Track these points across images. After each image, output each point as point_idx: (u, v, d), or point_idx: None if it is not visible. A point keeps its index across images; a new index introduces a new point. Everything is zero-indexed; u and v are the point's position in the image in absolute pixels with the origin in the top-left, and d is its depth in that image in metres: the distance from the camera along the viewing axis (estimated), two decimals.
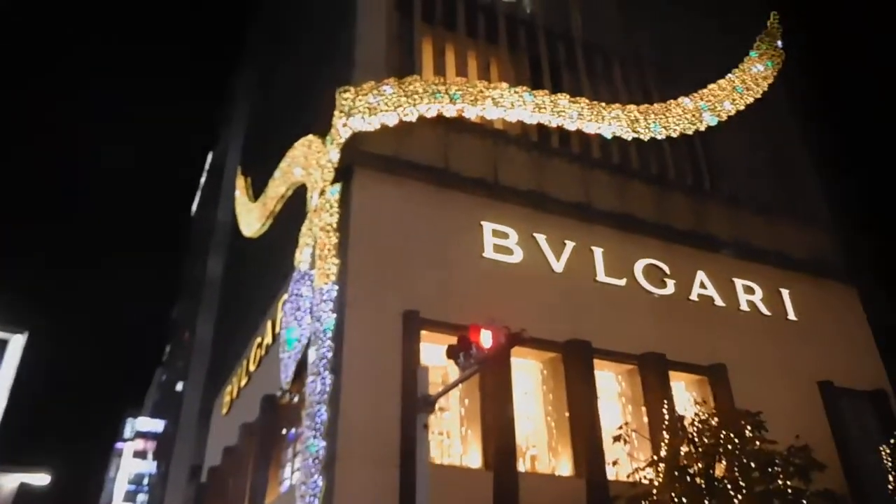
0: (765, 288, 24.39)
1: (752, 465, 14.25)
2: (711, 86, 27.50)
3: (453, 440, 18.39)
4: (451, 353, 11.78)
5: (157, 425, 62.70)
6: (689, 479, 14.75)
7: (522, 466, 18.10)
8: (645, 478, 15.65)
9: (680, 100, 26.47)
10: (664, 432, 16.10)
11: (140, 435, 66.44)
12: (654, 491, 14.87)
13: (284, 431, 22.28)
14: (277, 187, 26.58)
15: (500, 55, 25.03)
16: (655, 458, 15.66)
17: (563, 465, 18.78)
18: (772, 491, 14.38)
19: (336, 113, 20.38)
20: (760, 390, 20.55)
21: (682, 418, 16.07)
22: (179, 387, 52.16)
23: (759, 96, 28.67)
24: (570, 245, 21.47)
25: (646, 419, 19.76)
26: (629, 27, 28.82)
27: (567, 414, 19.23)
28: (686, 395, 21.42)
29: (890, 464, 19.56)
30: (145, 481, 63.30)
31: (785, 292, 24.78)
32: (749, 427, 14.91)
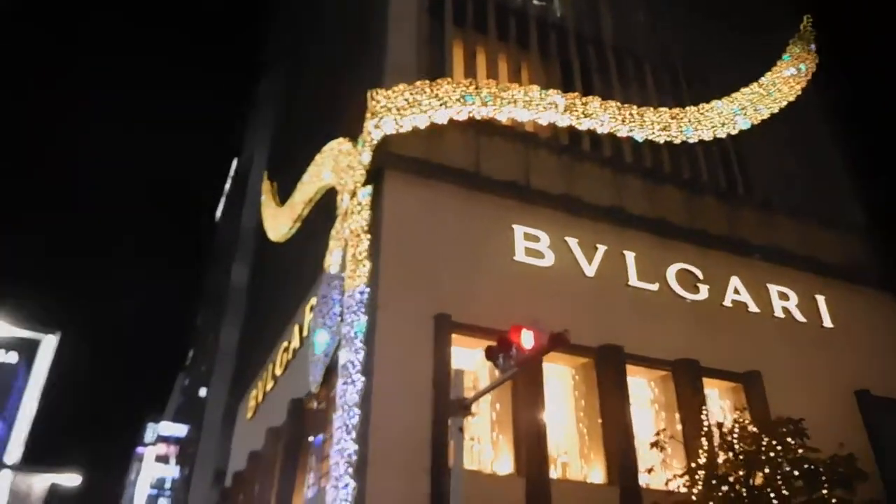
0: (800, 294, 23.91)
1: (796, 473, 13.87)
2: (744, 89, 27.16)
3: (483, 446, 18.13)
4: (491, 354, 11.53)
5: (180, 430, 62.88)
6: (728, 487, 14.39)
7: (554, 473, 17.79)
8: (684, 485, 15.30)
9: (712, 103, 26.15)
10: (703, 439, 15.69)
11: (162, 439, 66.61)
12: (694, 499, 14.51)
13: (311, 439, 22.11)
14: (306, 191, 26.54)
15: (531, 59, 24.86)
16: (693, 465, 15.30)
17: (596, 473, 18.46)
18: (814, 500, 13.98)
19: (367, 115, 20.28)
20: (796, 398, 20.05)
21: (720, 425, 15.71)
22: (203, 392, 52.25)
23: (791, 100, 28.30)
24: (601, 249, 21.18)
25: (679, 426, 19.38)
26: (660, 31, 28.61)
27: (599, 420, 18.91)
28: (719, 403, 21.06)
29: None
30: (167, 485, 63.45)
31: (820, 298, 24.28)
32: (791, 435, 14.51)
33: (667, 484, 15.80)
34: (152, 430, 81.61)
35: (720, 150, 26.25)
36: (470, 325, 17.83)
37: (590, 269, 20.78)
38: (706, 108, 25.94)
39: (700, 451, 15.44)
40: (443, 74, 21.92)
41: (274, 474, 23.91)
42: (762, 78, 28.06)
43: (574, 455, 19.03)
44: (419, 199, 19.62)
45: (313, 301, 22.00)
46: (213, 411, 46.84)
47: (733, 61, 28.50)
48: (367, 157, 20.14)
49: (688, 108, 25.69)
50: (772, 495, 13.68)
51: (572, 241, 20.89)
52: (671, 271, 21.97)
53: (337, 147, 23.07)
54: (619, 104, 24.19)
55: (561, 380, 19.81)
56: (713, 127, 25.66)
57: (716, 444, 15.43)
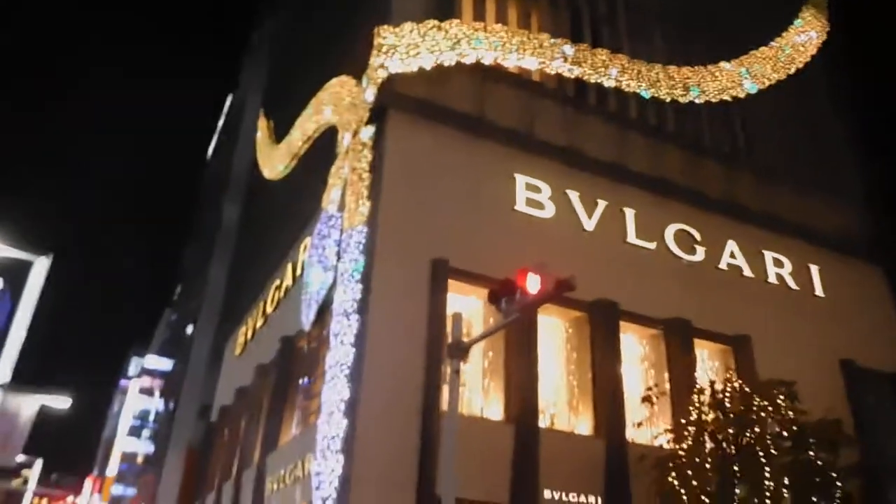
0: (794, 262, 24.01)
1: (784, 433, 14.02)
2: (754, 52, 26.79)
3: (474, 392, 18.19)
4: (493, 297, 11.41)
5: (165, 364, 62.90)
6: (715, 444, 14.55)
7: (542, 423, 17.92)
8: (669, 441, 15.45)
9: (721, 64, 25.81)
10: (694, 397, 15.80)
11: (146, 372, 66.63)
12: (682, 454, 14.66)
13: (301, 381, 22.09)
14: (305, 128, 26.13)
15: (541, 6, 24.26)
16: (683, 421, 15.43)
17: (583, 425, 18.62)
18: (800, 461, 14.17)
19: (373, 52, 19.82)
20: (783, 364, 20.14)
21: (712, 383, 15.82)
22: (190, 329, 52.18)
23: (800, 66, 27.98)
24: (602, 204, 21.05)
25: (668, 385, 19.54)
26: None
27: (590, 374, 19.01)
28: (708, 364, 21.21)
29: None
30: (151, 417, 63.71)
31: (814, 268, 24.41)
32: (782, 396, 14.64)
33: (654, 439, 15.96)
34: (136, 364, 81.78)
35: (725, 114, 26.01)
36: (467, 271, 17.72)
37: (589, 224, 20.66)
38: (714, 69, 25.59)
39: (690, 409, 15.54)
40: (451, 17, 21.42)
41: (261, 410, 24.03)
42: (772, 42, 27.67)
43: (563, 406, 19.15)
44: (422, 141, 19.30)
45: (308, 240, 21.82)
46: (199, 346, 46.86)
47: (746, 23, 28.05)
48: (370, 95, 19.74)
49: (696, 66, 25.32)
50: (760, 454, 13.82)
51: (573, 195, 20.72)
52: (669, 231, 21.91)
53: (340, 85, 22.63)
54: (627, 58, 23.81)
55: (554, 332, 19.83)
56: (720, 89, 25.35)
57: (706, 402, 15.53)
